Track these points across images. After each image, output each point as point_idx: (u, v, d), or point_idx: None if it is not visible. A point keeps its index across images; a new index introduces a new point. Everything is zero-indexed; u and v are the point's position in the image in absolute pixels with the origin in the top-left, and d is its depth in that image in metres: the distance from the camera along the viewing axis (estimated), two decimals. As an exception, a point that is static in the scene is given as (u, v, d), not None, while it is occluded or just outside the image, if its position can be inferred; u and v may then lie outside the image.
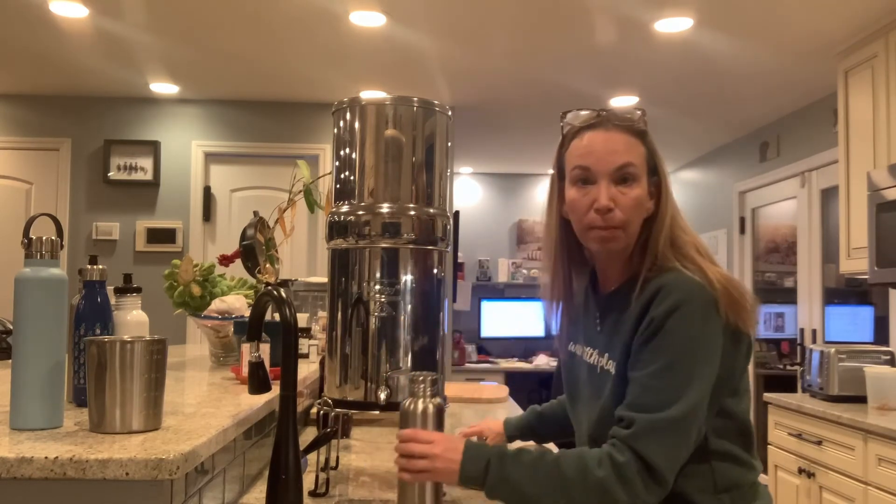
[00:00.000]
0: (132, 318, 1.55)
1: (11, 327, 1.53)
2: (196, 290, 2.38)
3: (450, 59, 4.37)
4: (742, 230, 5.97)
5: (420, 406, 1.35)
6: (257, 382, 1.35)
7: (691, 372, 1.25)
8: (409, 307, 1.51)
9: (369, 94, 4.74)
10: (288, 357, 1.30)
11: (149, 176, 5.25)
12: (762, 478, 1.43)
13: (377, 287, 1.50)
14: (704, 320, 1.27)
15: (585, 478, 1.22)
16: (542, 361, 6.92)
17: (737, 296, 1.30)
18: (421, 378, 1.36)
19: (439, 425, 1.36)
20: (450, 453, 1.29)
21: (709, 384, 1.28)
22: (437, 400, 1.37)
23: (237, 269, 2.64)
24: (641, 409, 1.24)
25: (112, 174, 5.24)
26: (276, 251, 2.68)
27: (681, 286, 1.28)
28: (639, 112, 1.38)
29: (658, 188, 1.39)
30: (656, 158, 1.39)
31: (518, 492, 1.25)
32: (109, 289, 1.48)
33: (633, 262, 1.39)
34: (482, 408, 3.03)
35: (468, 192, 7.68)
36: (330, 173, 1.65)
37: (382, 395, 1.48)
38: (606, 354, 1.38)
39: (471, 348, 7.12)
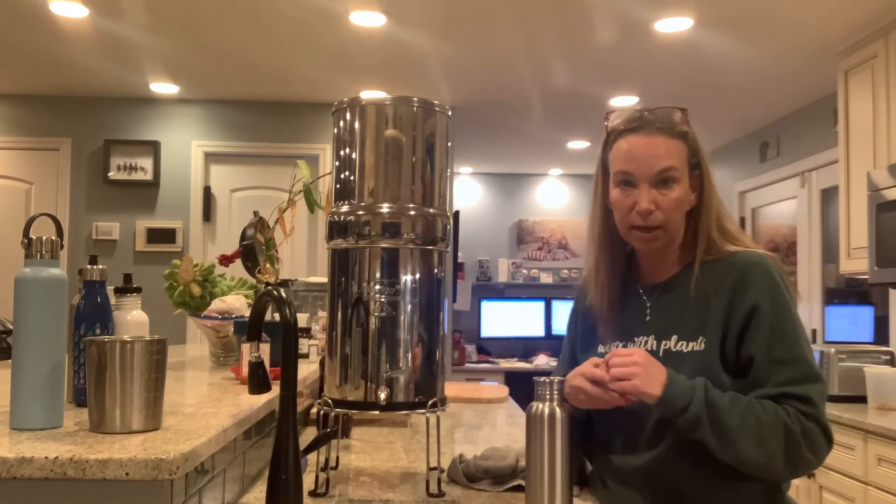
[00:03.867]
0: (132, 318, 1.55)
1: (11, 327, 1.53)
2: (196, 290, 2.39)
3: (450, 59, 4.37)
4: (742, 230, 5.97)
5: (547, 410, 1.34)
6: (257, 382, 1.35)
7: (806, 336, 1.38)
8: (409, 307, 1.51)
9: (369, 94, 4.74)
10: (288, 357, 1.30)
11: (149, 176, 5.25)
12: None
13: (377, 287, 1.50)
14: (789, 292, 1.40)
15: (777, 424, 1.29)
16: (542, 361, 6.92)
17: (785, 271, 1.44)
18: (547, 381, 1.36)
19: (567, 432, 1.34)
20: (652, 366, 1.32)
21: None
22: (567, 404, 1.37)
23: (237, 269, 2.64)
24: (805, 380, 1.33)
25: (112, 174, 5.24)
26: (276, 251, 2.68)
27: (762, 266, 1.39)
28: (679, 112, 1.45)
29: (701, 181, 1.46)
30: (699, 154, 1.46)
31: (717, 421, 1.29)
32: (109, 289, 1.48)
33: (687, 251, 1.47)
34: (482, 408, 3.03)
35: (468, 192, 7.68)
36: (330, 173, 1.65)
37: (382, 395, 1.48)
38: (675, 336, 1.41)
39: (471, 348, 7.12)
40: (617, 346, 1.47)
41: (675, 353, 1.40)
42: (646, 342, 1.44)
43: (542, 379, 1.37)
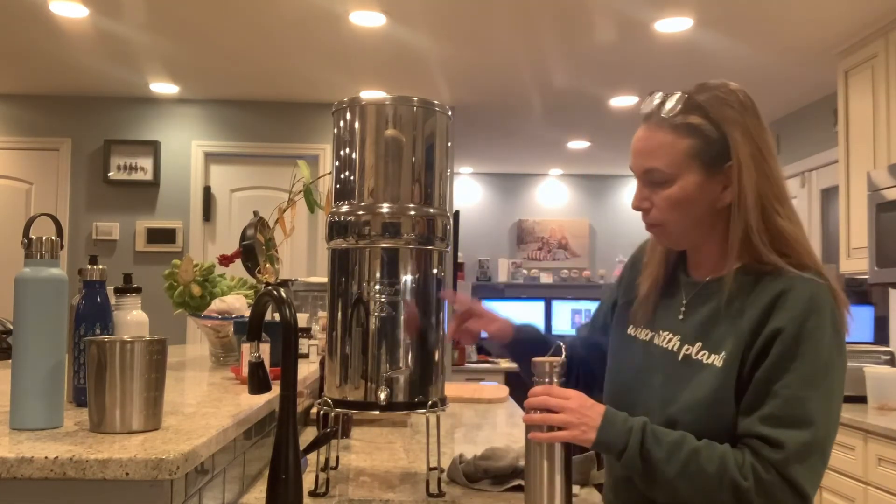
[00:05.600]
0: (132, 318, 1.55)
1: (11, 327, 1.53)
2: (196, 290, 2.38)
3: (450, 59, 4.37)
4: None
5: None
6: (257, 382, 1.35)
7: (831, 385, 1.22)
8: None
9: (369, 94, 4.74)
10: (288, 357, 1.30)
11: (149, 176, 5.25)
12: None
13: (377, 287, 1.50)
14: (835, 327, 1.24)
15: (722, 479, 1.18)
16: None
17: (844, 298, 1.28)
18: (546, 363, 1.32)
19: None
20: (587, 410, 1.26)
21: (841, 396, 1.25)
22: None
23: (237, 269, 2.64)
24: (785, 423, 1.19)
25: (112, 174, 5.24)
26: (276, 251, 2.68)
27: (808, 289, 1.24)
28: (684, 98, 1.29)
29: (735, 175, 1.28)
30: (730, 142, 1.27)
31: (654, 471, 1.21)
32: (109, 289, 1.48)
33: (729, 253, 1.31)
34: (482, 408, 3.03)
35: (468, 192, 7.68)
36: (330, 173, 1.65)
37: (382, 395, 1.48)
38: (699, 344, 1.31)
39: (471, 348, 7.11)
40: (645, 334, 1.41)
41: (694, 360, 1.30)
42: (670, 340, 1.36)
43: (540, 360, 1.33)
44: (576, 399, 1.27)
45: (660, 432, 1.24)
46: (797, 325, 1.21)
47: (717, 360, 1.28)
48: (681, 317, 1.37)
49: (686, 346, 1.33)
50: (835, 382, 1.23)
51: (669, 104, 1.30)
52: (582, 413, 1.26)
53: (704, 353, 1.30)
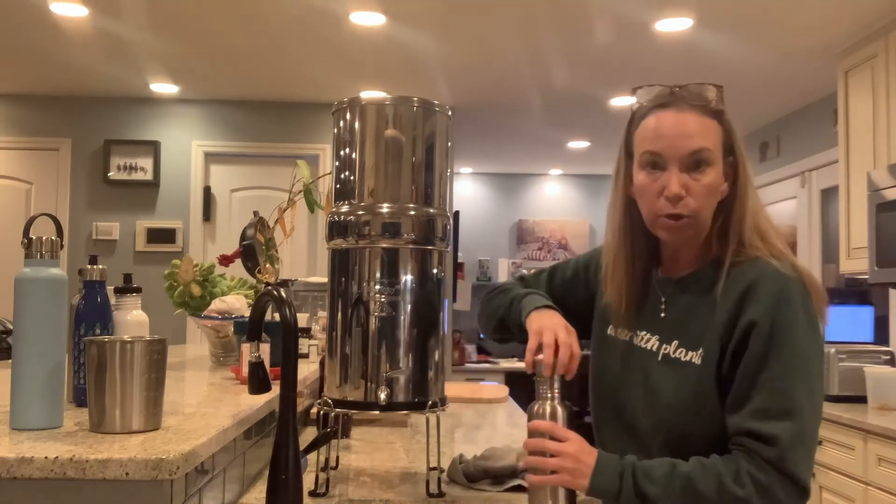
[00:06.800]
0: (132, 318, 1.55)
1: (11, 327, 1.53)
2: (196, 290, 2.38)
3: (450, 59, 4.37)
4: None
5: (549, 409, 1.30)
6: (257, 382, 1.35)
7: (811, 372, 1.23)
8: (409, 307, 1.51)
9: (369, 94, 4.74)
10: (288, 357, 1.30)
11: (149, 176, 5.25)
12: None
13: (377, 287, 1.50)
14: (808, 315, 1.25)
15: (721, 496, 1.18)
16: (542, 361, 6.90)
17: (819, 288, 1.29)
18: (545, 378, 1.30)
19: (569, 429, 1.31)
20: (583, 456, 1.25)
21: (822, 382, 1.26)
22: (567, 402, 1.32)
23: (237, 269, 2.64)
24: (774, 415, 1.19)
25: (112, 174, 5.24)
26: (276, 251, 2.68)
27: (777, 279, 1.25)
28: (714, 89, 1.30)
29: (735, 169, 1.31)
30: (733, 138, 1.31)
31: None
32: (109, 289, 1.48)
33: (710, 247, 1.32)
34: (482, 408, 3.03)
35: (468, 192, 7.68)
36: (330, 173, 1.65)
37: (382, 395, 1.48)
38: (676, 342, 1.31)
39: (471, 348, 7.12)
40: (624, 334, 1.40)
41: (673, 359, 1.30)
42: (648, 340, 1.35)
43: (540, 359, 1.31)
44: (574, 443, 1.26)
45: (649, 467, 1.23)
46: (770, 318, 1.22)
47: (695, 357, 1.28)
48: (663, 315, 1.36)
49: (664, 346, 1.33)
50: (814, 370, 1.24)
51: (708, 91, 1.30)
52: (577, 459, 1.25)
53: (682, 351, 1.30)
